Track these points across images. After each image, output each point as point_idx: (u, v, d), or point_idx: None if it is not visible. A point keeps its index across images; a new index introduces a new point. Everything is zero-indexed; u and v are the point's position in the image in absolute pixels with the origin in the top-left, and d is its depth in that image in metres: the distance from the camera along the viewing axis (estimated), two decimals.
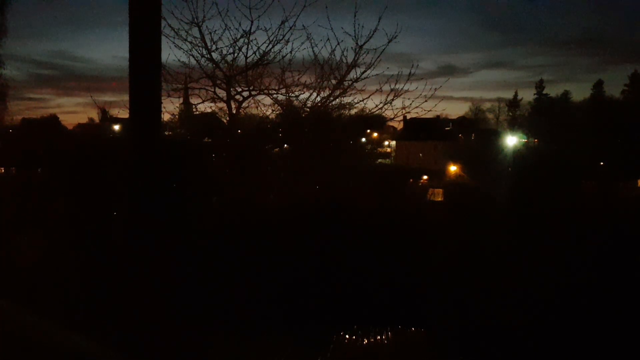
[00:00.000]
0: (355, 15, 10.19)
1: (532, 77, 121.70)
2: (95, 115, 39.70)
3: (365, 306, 9.16)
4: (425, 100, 10.47)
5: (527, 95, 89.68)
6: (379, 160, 37.78)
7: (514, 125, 51.49)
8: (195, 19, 9.98)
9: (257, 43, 10.28)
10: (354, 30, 10.22)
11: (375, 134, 54.24)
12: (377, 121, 13.04)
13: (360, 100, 10.92)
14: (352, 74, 10.56)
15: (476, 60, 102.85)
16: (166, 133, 13.00)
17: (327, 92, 10.81)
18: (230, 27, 10.08)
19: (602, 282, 9.34)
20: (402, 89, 10.50)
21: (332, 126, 11.60)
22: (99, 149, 12.56)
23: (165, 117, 11.88)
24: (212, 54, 10.40)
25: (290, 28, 10.02)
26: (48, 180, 11.98)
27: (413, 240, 10.74)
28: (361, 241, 9.97)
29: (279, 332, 7.94)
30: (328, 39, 10.51)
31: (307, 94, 10.87)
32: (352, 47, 10.35)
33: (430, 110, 10.93)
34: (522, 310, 9.03)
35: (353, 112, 11.89)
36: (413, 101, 10.56)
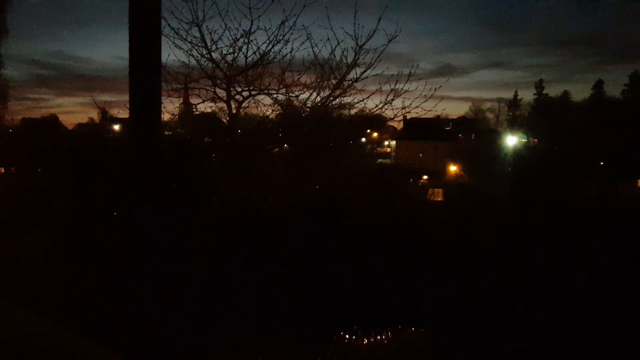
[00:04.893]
0: (355, 16, 10.18)
1: (532, 77, 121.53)
2: (95, 115, 39.67)
3: (365, 306, 9.17)
4: (425, 100, 10.44)
5: (527, 95, 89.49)
6: (379, 160, 37.76)
7: (514, 125, 51.39)
8: (195, 19, 9.98)
9: (257, 43, 10.28)
10: (354, 31, 10.22)
11: (375, 134, 54.20)
12: (377, 121, 13.02)
13: (360, 100, 10.90)
14: (352, 74, 10.54)
15: (476, 60, 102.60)
16: (166, 133, 12.98)
17: (327, 92, 10.79)
18: (230, 27, 10.08)
19: (601, 280, 9.34)
20: (402, 89, 10.47)
21: (332, 126, 11.59)
22: (98, 149, 12.56)
23: (165, 117, 11.84)
24: (212, 54, 10.39)
25: (290, 28, 10.01)
26: (48, 180, 11.99)
27: (413, 241, 10.75)
28: (361, 241, 9.98)
29: (279, 332, 7.94)
30: (328, 39, 10.51)
31: (307, 94, 10.85)
32: (352, 47, 10.34)
33: (430, 110, 10.88)
34: (522, 309, 9.04)
35: (353, 112, 11.86)
36: (413, 101, 10.54)
